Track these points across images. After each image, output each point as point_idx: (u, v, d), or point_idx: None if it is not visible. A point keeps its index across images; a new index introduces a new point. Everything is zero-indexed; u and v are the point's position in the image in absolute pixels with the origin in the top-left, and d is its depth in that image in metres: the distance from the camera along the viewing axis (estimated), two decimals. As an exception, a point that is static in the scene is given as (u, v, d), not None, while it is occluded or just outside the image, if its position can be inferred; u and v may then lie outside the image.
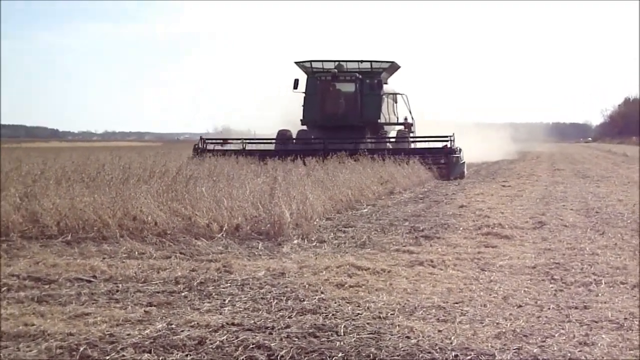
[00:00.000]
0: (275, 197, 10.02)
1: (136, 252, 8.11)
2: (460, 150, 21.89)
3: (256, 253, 8.25)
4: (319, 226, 10.26)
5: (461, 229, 10.05)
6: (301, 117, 25.17)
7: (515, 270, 7.18)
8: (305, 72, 25.67)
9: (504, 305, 5.80)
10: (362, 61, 25.21)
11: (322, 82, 24.67)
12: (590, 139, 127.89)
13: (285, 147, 23.01)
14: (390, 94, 26.47)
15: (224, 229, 9.28)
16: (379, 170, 17.30)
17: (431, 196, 15.39)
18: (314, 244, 8.90)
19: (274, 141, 24.06)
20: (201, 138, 23.67)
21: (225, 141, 24.03)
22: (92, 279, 6.75)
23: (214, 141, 24.01)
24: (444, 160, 21.35)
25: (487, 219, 10.88)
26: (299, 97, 25.23)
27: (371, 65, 25.28)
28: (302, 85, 25.19)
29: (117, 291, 6.30)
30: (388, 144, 23.44)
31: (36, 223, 9.36)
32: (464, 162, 22.20)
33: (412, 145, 23.17)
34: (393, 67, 26.57)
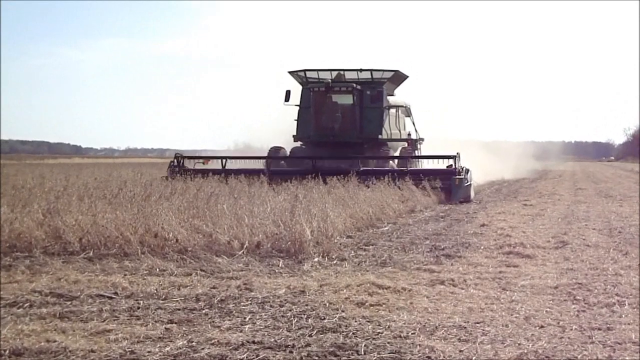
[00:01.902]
0: (296, 214, 10.03)
1: (157, 269, 8.14)
2: (466, 171, 19.59)
3: (277, 271, 8.26)
4: (340, 244, 10.24)
5: (482, 248, 10.01)
6: (294, 133, 22.87)
7: (537, 290, 7.13)
8: (300, 83, 23.24)
9: (525, 325, 5.75)
10: (361, 70, 22.65)
11: (315, 94, 22.13)
12: (612, 157, 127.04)
13: (269, 167, 20.50)
14: (394, 106, 23.61)
15: (245, 246, 9.30)
16: (400, 188, 17.21)
17: (452, 215, 15.33)
18: (335, 262, 8.89)
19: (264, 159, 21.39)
20: (176, 155, 21.18)
21: (207, 159, 21.58)
22: (113, 296, 6.78)
23: (194, 159, 21.66)
24: (443, 182, 18.76)
25: (509, 238, 10.83)
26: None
27: (372, 74, 22.64)
28: (297, 98, 22.89)
29: (138, 308, 6.33)
30: (391, 162, 21.13)
31: (59, 239, 9.45)
32: (470, 184, 19.86)
33: (419, 165, 21.24)
34: (398, 77, 23.85)
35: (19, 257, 8.84)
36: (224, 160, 20.50)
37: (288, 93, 22.69)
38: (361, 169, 19.23)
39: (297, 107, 22.93)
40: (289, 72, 23.19)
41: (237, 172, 18.29)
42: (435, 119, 30.72)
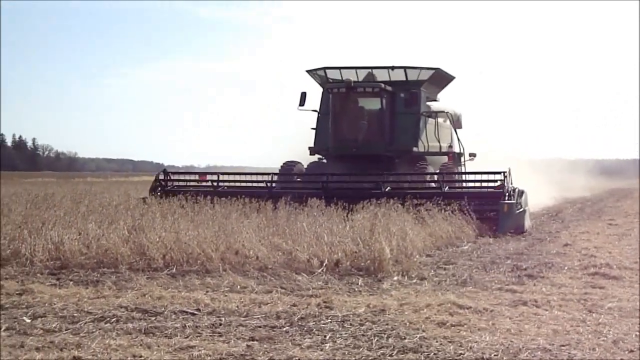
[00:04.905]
0: (375, 233, 10.02)
1: (238, 286, 8.24)
2: (520, 193, 15.45)
3: (356, 289, 8.25)
4: (419, 263, 10.17)
5: (566, 268, 9.78)
6: (311, 145, 19.08)
7: (625, 312, 6.92)
8: (320, 84, 19.38)
9: (614, 349, 5.59)
10: (393, 68, 18.51)
11: (335, 96, 18.25)
12: None
13: (272, 186, 16.58)
14: (435, 113, 19.53)
15: (324, 264, 9.33)
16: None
17: (534, 234, 15.04)
18: (414, 281, 8.84)
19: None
20: (165, 171, 17.69)
21: (202, 176, 18.14)
22: (196, 312, 6.89)
23: (181, 176, 18.59)
24: (485, 207, 14.95)
25: (594, 258, 10.56)
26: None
27: (406, 73, 18.49)
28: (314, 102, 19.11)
29: (220, 325, 6.41)
30: (430, 180, 16.78)
31: (143, 256, 9.69)
32: (523, 210, 15.42)
33: (463, 183, 16.90)
34: (440, 78, 19.55)
35: (106, 272, 9.10)
36: (217, 181, 17.03)
37: (303, 95, 19.00)
38: (386, 190, 15.60)
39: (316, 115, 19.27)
40: (307, 72, 19.49)
41: (234, 193, 14.97)
42: (490, 133, 26.60)
